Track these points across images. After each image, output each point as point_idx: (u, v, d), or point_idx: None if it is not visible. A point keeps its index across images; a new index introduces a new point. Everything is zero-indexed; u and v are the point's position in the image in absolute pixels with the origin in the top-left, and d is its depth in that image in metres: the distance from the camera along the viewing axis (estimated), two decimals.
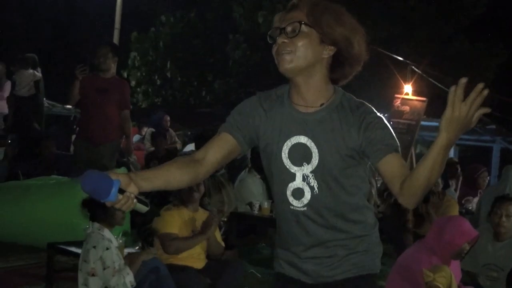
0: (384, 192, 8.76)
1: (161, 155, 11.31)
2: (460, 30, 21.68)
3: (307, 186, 2.63)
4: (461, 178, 11.49)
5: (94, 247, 4.73)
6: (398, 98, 12.99)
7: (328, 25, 2.53)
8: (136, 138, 14.04)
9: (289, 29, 2.54)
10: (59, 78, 16.34)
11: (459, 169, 11.37)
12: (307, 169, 2.62)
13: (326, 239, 2.66)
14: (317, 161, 2.60)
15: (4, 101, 13.62)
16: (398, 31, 20.72)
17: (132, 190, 2.41)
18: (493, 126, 17.39)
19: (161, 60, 23.14)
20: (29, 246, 7.03)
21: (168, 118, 14.15)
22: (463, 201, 9.93)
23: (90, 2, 23.94)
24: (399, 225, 7.64)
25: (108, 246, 4.73)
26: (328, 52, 2.58)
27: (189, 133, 16.91)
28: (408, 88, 13.31)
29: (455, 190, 10.75)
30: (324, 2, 2.60)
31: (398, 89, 13.43)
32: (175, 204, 5.81)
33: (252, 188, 8.27)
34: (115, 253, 4.78)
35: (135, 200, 2.42)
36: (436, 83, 14.82)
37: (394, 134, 2.60)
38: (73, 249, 5.87)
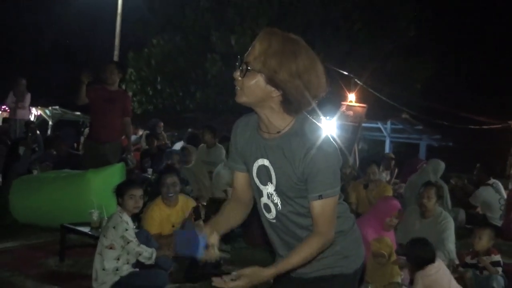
0: None
1: (153, 152, 11.38)
2: (397, 48, 22.00)
3: (272, 203, 2.49)
4: (396, 170, 11.88)
5: (114, 227, 4.81)
6: (344, 105, 13.18)
7: (273, 70, 2.25)
8: (132, 137, 13.99)
9: (241, 67, 2.31)
10: (68, 90, 16.35)
11: (394, 162, 11.77)
12: (271, 188, 2.46)
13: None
14: (275, 182, 2.44)
15: (26, 110, 13.98)
16: (345, 49, 20.94)
17: (214, 241, 2.43)
18: (420, 127, 17.72)
19: (153, 75, 23.10)
20: (46, 227, 7.08)
21: (162, 124, 14.14)
22: (396, 187, 10.16)
23: (95, 28, 25.37)
24: None
25: (127, 227, 4.83)
26: (275, 93, 2.31)
27: (176, 134, 16.93)
28: (351, 97, 13.46)
29: (390, 180, 11.03)
30: (280, 41, 2.28)
31: (344, 98, 13.57)
32: (152, 199, 5.60)
33: (226, 178, 8.37)
34: (133, 231, 4.90)
35: (216, 248, 2.43)
36: (375, 92, 15.08)
37: (331, 170, 2.35)
38: (82, 229, 5.95)
